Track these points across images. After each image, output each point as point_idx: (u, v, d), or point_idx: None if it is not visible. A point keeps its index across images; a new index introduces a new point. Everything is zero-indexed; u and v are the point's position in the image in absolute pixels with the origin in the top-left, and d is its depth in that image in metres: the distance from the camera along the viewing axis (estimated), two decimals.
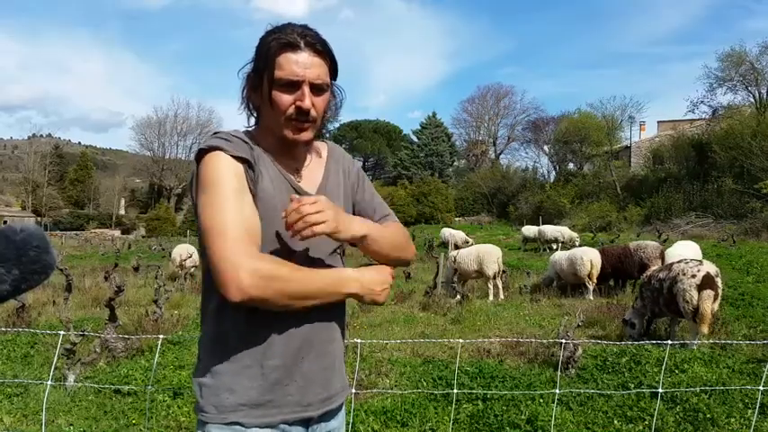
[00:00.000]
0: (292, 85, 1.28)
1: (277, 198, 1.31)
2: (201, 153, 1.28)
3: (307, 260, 1.32)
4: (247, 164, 1.28)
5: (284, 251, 1.30)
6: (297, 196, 1.26)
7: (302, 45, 1.28)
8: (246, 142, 1.32)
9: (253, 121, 1.41)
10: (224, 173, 1.24)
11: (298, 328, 1.31)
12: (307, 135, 1.34)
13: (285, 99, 1.29)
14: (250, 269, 1.15)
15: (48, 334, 6.00)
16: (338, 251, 1.43)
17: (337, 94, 1.42)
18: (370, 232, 1.33)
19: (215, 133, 1.34)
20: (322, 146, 1.51)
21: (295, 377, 1.31)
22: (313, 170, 1.44)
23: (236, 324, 1.28)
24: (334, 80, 1.38)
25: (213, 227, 1.19)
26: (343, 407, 1.48)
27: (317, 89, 1.30)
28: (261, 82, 1.31)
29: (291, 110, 1.29)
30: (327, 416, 1.39)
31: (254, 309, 1.22)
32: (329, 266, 1.35)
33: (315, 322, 1.34)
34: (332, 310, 1.37)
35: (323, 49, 1.31)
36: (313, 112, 1.30)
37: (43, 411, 3.74)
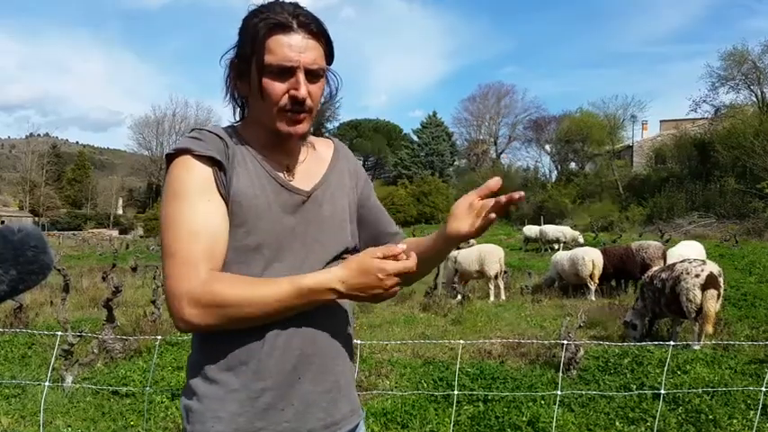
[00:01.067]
0: (285, 72, 1.14)
1: (260, 199, 1.17)
2: (169, 158, 1.17)
3: (298, 270, 1.16)
4: (218, 165, 1.15)
5: (270, 260, 1.16)
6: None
7: (295, 26, 1.13)
8: (222, 138, 1.18)
9: (239, 114, 1.27)
10: (186, 182, 1.13)
11: (292, 344, 1.16)
12: (303, 127, 1.19)
13: (277, 88, 1.14)
14: (190, 297, 1.04)
15: (45, 335, 5.99)
16: (341, 259, 1.25)
17: (332, 80, 1.26)
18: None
19: (191, 130, 1.22)
20: (326, 142, 1.37)
21: (292, 400, 1.15)
22: (310, 167, 1.28)
23: (221, 343, 1.14)
24: (330, 64, 1.24)
25: (165, 249, 1.10)
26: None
27: (312, 75, 1.16)
28: (248, 69, 1.17)
29: (285, 99, 1.15)
30: None
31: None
32: None
33: (313, 337, 1.18)
34: (334, 321, 1.23)
35: (318, 30, 1.17)
36: (309, 102, 1.17)
37: (41, 412, 3.71)
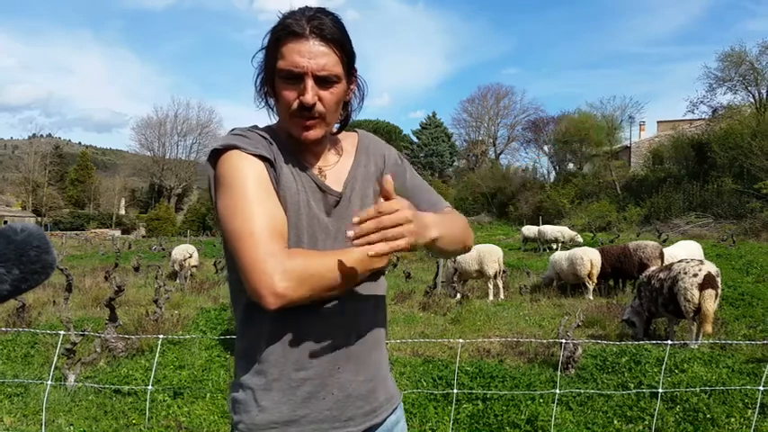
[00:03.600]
0: (295, 78, 1.16)
1: (302, 195, 1.21)
2: (217, 153, 1.19)
3: None
4: (268, 162, 1.19)
5: None
6: (381, 202, 1.06)
7: (307, 32, 1.15)
8: (265, 137, 1.22)
9: (275, 116, 1.29)
10: (244, 171, 1.16)
11: (331, 336, 1.20)
12: (314, 133, 1.21)
13: (288, 94, 1.17)
14: (282, 271, 1.07)
15: (48, 334, 6.00)
16: None
17: (359, 85, 1.28)
18: (441, 234, 1.15)
19: (232, 130, 1.25)
20: (351, 137, 1.38)
21: (332, 389, 1.20)
22: (339, 166, 1.31)
23: (262, 334, 1.19)
24: (352, 69, 1.24)
25: (238, 232, 1.11)
26: (396, 419, 1.33)
27: (323, 81, 1.17)
28: (269, 73, 1.21)
29: (295, 105, 1.18)
30: (371, 430, 1.26)
31: (279, 317, 1.15)
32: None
33: (352, 328, 1.22)
34: (371, 313, 1.27)
35: (332, 37, 1.17)
36: (319, 107, 1.18)
37: (43, 411, 3.75)
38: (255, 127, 1.27)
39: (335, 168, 1.30)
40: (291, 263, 1.09)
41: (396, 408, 1.33)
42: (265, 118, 1.31)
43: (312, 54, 1.15)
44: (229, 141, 1.19)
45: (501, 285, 10.77)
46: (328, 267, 1.12)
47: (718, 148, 26.21)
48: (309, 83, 1.16)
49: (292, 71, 1.16)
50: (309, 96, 1.16)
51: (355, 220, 1.03)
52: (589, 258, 10.35)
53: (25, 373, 5.34)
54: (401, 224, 1.02)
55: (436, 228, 1.14)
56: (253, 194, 1.14)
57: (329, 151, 1.32)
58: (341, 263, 1.13)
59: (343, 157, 1.33)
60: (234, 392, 1.23)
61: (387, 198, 1.07)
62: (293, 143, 1.25)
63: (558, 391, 3.65)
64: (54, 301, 8.99)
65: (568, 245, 18.21)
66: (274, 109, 1.27)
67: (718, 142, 26.74)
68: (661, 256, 10.08)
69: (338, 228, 1.24)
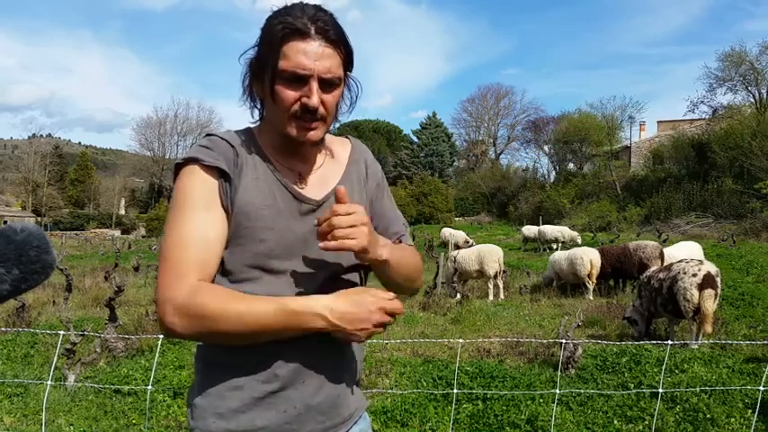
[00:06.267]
0: (298, 80, 1.11)
1: (271, 208, 1.16)
2: (177, 168, 1.19)
3: (309, 279, 1.18)
4: (224, 176, 1.15)
5: (282, 269, 1.16)
6: (337, 206, 1.09)
7: (312, 32, 1.10)
8: (233, 146, 1.18)
9: (257, 114, 1.24)
10: (186, 192, 1.14)
11: (299, 349, 1.15)
12: (315, 135, 1.17)
13: (289, 95, 1.12)
14: (174, 305, 1.05)
15: (48, 334, 6.00)
16: (360, 269, 1.26)
17: (353, 87, 1.23)
18: (391, 257, 1.18)
19: (205, 136, 1.21)
20: (343, 142, 1.34)
21: (294, 402, 1.15)
22: (326, 172, 1.26)
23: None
24: (350, 71, 1.20)
25: (163, 253, 1.12)
26: (358, 430, 1.29)
27: (326, 84, 1.13)
28: (264, 72, 1.14)
29: (296, 107, 1.12)
30: None
31: None
32: (340, 283, 1.20)
33: (321, 341, 1.16)
34: None
35: (336, 38, 1.13)
36: (322, 111, 1.14)
37: (43, 411, 3.74)
38: (230, 132, 1.23)
39: (319, 172, 1.26)
40: (189, 300, 1.06)
41: (358, 420, 1.29)
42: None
43: (318, 56, 1.11)
44: (191, 154, 1.16)
45: (501, 285, 10.77)
46: (227, 313, 1.05)
47: (719, 148, 26.25)
48: (315, 86, 1.12)
49: (297, 73, 1.11)
50: (315, 100, 1.12)
51: (314, 222, 1.10)
52: (589, 258, 10.35)
53: (25, 373, 5.34)
54: (354, 225, 1.08)
55: (388, 250, 1.18)
56: (186, 220, 1.12)
57: (317, 154, 1.27)
58: (246, 313, 1.05)
59: (332, 162, 1.29)
60: (193, 397, 1.18)
61: (340, 202, 1.11)
62: (278, 145, 1.21)
63: (558, 391, 3.64)
64: (54, 301, 8.99)
65: (568, 245, 18.22)
66: (260, 108, 1.23)
67: (718, 142, 26.77)
68: (661, 256, 10.08)
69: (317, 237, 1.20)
